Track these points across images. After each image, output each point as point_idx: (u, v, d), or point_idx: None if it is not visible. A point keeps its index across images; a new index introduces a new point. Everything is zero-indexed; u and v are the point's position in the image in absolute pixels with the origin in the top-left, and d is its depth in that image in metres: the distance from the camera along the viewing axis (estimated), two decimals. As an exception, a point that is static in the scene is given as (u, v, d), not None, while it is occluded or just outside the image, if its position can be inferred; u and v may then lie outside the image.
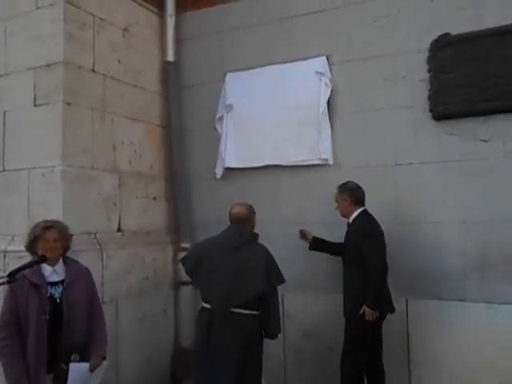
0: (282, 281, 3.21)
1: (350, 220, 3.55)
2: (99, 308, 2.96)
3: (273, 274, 3.18)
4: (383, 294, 3.40)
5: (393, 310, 3.48)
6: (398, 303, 3.70)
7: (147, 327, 4.04)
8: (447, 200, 3.63)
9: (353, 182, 3.58)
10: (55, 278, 2.77)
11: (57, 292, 2.74)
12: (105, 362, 2.82)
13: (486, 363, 3.43)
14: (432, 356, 3.62)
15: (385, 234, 3.62)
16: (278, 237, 4.16)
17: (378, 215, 3.72)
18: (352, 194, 3.53)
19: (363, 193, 3.55)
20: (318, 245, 3.80)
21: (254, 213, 3.39)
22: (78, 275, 2.85)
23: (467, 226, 3.56)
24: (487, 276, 3.50)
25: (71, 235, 2.96)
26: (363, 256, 3.35)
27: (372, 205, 3.72)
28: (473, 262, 3.54)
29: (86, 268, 2.96)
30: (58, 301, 2.72)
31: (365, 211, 3.52)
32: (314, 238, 3.81)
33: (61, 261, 2.81)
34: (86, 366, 2.70)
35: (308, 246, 3.83)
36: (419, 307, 3.67)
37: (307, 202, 4.06)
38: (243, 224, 3.31)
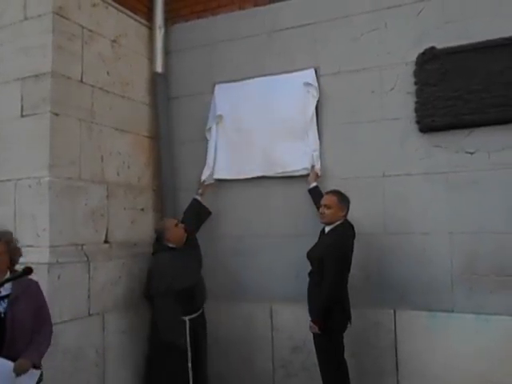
0: (151, 293, 3.63)
1: (327, 229, 3.53)
2: (46, 320, 2.87)
3: (151, 285, 3.64)
4: (344, 306, 3.41)
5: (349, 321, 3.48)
6: (386, 314, 3.72)
7: (134, 340, 3.99)
8: (434, 211, 3.65)
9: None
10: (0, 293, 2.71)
11: (1, 307, 2.68)
12: (35, 371, 2.69)
13: (474, 374, 3.43)
14: (420, 367, 3.61)
15: (373, 245, 3.65)
16: (266, 248, 4.17)
17: (366, 226, 3.75)
18: (348, 207, 3.53)
19: None
20: (315, 193, 3.81)
21: (172, 226, 3.83)
22: (25, 288, 2.78)
23: (454, 236, 3.58)
24: (475, 287, 3.51)
25: (19, 248, 2.87)
26: (324, 270, 3.37)
27: (360, 216, 3.74)
28: (460, 272, 3.56)
29: (34, 280, 2.90)
30: (3, 316, 2.66)
31: (342, 224, 3.50)
32: (316, 186, 3.88)
33: (8, 275, 2.73)
34: (9, 364, 2.56)
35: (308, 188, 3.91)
36: (407, 318, 3.67)
37: (296, 213, 4.07)
38: (158, 238, 3.91)
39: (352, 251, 3.50)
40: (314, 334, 3.42)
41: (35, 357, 2.70)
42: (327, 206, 3.51)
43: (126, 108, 4.31)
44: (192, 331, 3.64)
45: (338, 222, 3.50)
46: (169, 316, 3.53)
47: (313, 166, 3.96)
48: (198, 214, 4.20)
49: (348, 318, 3.46)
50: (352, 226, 3.55)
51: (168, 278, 3.56)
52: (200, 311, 3.78)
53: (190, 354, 3.61)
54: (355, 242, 3.52)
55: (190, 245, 3.95)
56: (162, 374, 3.62)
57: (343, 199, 3.54)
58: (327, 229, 3.54)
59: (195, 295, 3.72)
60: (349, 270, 3.46)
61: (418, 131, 3.71)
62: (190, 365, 3.61)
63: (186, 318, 3.63)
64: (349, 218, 3.56)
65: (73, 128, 3.73)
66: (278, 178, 4.15)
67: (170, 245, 3.80)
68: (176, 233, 3.83)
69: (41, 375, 2.76)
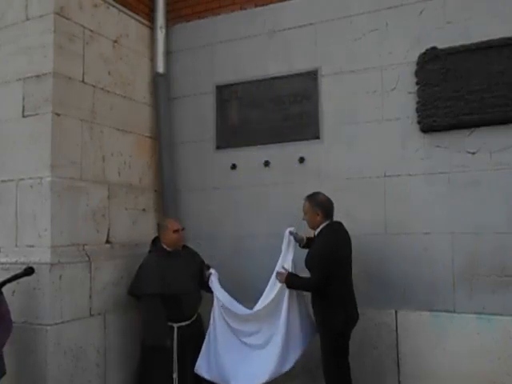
0: (136, 293, 3.65)
1: (316, 233, 3.49)
2: (4, 316, 2.99)
3: (137, 284, 3.64)
4: (347, 308, 3.35)
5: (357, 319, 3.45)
6: (388, 314, 3.72)
7: (135, 340, 3.98)
8: (435, 211, 3.65)
9: (322, 194, 3.48)
10: None
11: None
12: None
13: (476, 374, 3.44)
14: (421, 367, 3.61)
15: (374, 245, 3.64)
16: (266, 248, 4.16)
17: (367, 226, 3.76)
18: (324, 208, 3.43)
19: (333, 206, 3.46)
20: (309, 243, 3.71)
21: (171, 229, 3.77)
22: None
23: (455, 236, 3.58)
24: (476, 287, 3.51)
25: None
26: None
27: (361, 216, 3.76)
28: (461, 272, 3.56)
29: None
30: None
31: (329, 225, 3.43)
32: (307, 238, 3.70)
33: None
34: None
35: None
36: (408, 318, 3.67)
37: (297, 213, 4.05)
38: (155, 238, 3.88)
39: (348, 246, 3.43)
40: (319, 335, 3.40)
41: None
42: (304, 212, 3.51)
43: (128, 108, 4.31)
44: (180, 340, 3.59)
45: (323, 225, 3.44)
46: (151, 319, 3.50)
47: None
48: None
49: (351, 319, 3.39)
50: (342, 225, 3.50)
51: (153, 280, 3.52)
52: (190, 321, 3.72)
53: (175, 364, 3.56)
54: (356, 241, 3.51)
55: (189, 252, 3.90)
56: (150, 380, 3.62)
57: (316, 203, 3.46)
58: (316, 232, 3.51)
59: (182, 303, 3.63)
60: (346, 269, 3.40)
61: (420, 131, 3.71)
62: (175, 376, 3.55)
63: (175, 326, 3.60)
64: (350, 217, 3.55)
65: (74, 128, 3.74)
66: (278, 177, 4.13)
67: (165, 246, 3.76)
68: (170, 237, 3.76)
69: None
